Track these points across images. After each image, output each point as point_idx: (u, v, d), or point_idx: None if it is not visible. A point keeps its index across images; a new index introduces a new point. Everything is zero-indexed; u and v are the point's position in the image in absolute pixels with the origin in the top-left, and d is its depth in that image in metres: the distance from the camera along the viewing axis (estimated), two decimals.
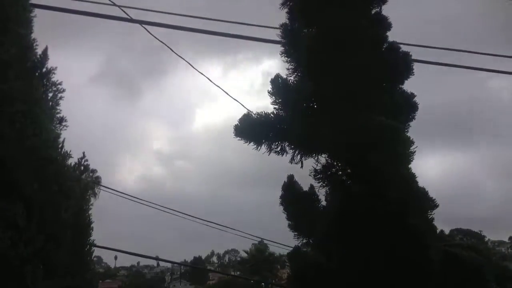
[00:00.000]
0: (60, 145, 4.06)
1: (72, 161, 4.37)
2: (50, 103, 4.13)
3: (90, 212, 4.37)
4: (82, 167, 4.35)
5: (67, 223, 3.85)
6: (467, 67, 8.29)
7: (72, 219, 3.95)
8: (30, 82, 3.85)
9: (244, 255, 55.67)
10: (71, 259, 3.93)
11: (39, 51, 4.10)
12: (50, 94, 4.18)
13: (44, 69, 4.08)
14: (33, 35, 4.09)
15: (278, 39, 6.72)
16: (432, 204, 6.03)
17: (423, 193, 5.98)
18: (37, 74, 4.01)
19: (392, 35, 6.54)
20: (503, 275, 6.41)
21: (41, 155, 3.74)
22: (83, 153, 4.25)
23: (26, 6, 4.13)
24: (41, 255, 3.59)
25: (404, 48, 6.58)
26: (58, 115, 4.25)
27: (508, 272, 6.41)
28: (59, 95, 4.24)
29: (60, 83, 4.21)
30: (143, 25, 7.03)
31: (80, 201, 4.28)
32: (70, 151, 4.14)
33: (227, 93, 8.32)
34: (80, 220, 4.17)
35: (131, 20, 6.99)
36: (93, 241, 4.35)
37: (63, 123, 4.31)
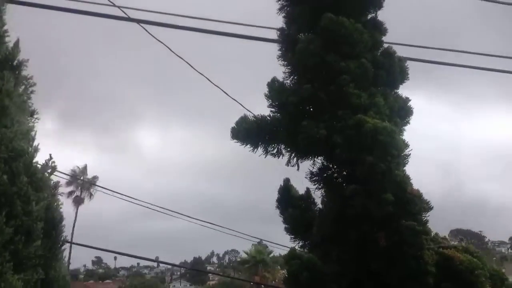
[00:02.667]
0: (32, 138, 4.03)
1: (40, 158, 4.33)
2: (22, 97, 4.11)
3: (61, 209, 4.33)
4: (50, 169, 4.32)
5: (38, 215, 3.81)
6: (468, 66, 8.28)
7: (44, 212, 3.92)
8: (1, 73, 3.82)
9: (244, 255, 55.63)
10: (43, 253, 3.90)
11: (11, 44, 4.07)
12: (22, 87, 4.16)
13: (15, 62, 4.06)
14: (5, 27, 4.05)
15: (275, 38, 6.77)
16: (426, 206, 6.07)
17: (417, 195, 6.02)
18: (8, 66, 3.98)
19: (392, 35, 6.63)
20: (497, 277, 6.45)
21: (11, 147, 3.72)
22: (50, 154, 4.22)
23: None
24: (10, 247, 3.57)
25: (401, 48, 6.68)
26: (30, 109, 4.23)
27: (502, 275, 6.45)
28: (31, 88, 4.23)
29: (31, 77, 4.19)
30: (141, 24, 7.10)
31: (51, 196, 4.24)
32: (38, 144, 4.11)
33: (226, 93, 8.36)
34: (52, 214, 4.14)
35: (129, 19, 7.04)
36: (65, 237, 4.34)
37: (35, 116, 4.30)
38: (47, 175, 4.08)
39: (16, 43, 4.09)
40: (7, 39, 4.07)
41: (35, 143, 4.00)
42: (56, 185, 4.36)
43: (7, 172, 3.62)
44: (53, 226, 4.07)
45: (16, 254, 3.57)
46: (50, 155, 4.24)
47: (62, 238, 4.19)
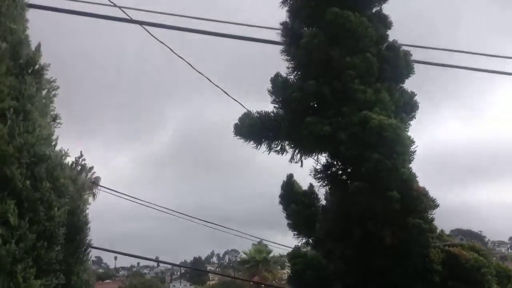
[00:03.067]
0: (53, 143, 4.00)
1: (69, 159, 4.28)
2: (44, 101, 4.08)
3: (87, 212, 4.29)
4: (79, 167, 4.28)
5: (60, 221, 3.78)
6: (468, 68, 8.24)
7: (66, 217, 3.89)
8: (22, 78, 3.81)
9: (244, 255, 55.64)
10: (66, 258, 3.87)
11: (32, 48, 4.04)
12: (44, 92, 4.12)
13: (37, 66, 4.02)
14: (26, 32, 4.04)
15: (278, 40, 6.71)
16: (432, 204, 6.00)
17: (423, 192, 5.94)
18: (30, 71, 3.95)
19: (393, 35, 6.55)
20: (504, 275, 6.38)
21: (33, 152, 3.69)
22: (81, 151, 4.18)
23: (19, 2, 4.08)
24: (33, 253, 3.54)
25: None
26: (52, 113, 4.19)
27: (509, 272, 6.38)
28: (53, 92, 4.19)
29: (54, 81, 4.16)
30: (143, 26, 7.07)
31: (77, 200, 4.21)
32: (67, 150, 4.08)
33: (226, 93, 8.30)
34: (75, 219, 4.11)
35: (131, 21, 7.01)
36: (90, 241, 4.29)
37: (57, 121, 4.26)
38: (76, 173, 4.05)
39: (38, 48, 4.07)
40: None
41: (58, 148, 3.99)
42: (84, 184, 4.31)
43: (30, 177, 3.59)
44: (77, 231, 4.03)
45: (39, 260, 3.54)
46: (81, 152, 4.21)
47: (87, 242, 4.15)
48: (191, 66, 8.25)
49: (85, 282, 4.09)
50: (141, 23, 7.10)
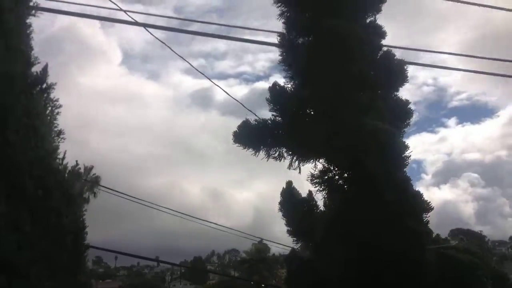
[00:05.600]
0: (61, 156, 4.24)
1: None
2: (49, 118, 4.32)
3: (84, 217, 4.51)
4: (76, 175, 4.50)
5: (68, 228, 4.02)
6: (466, 70, 8.38)
7: (72, 224, 4.13)
8: (31, 97, 4.04)
9: (244, 255, 55.76)
10: (71, 262, 4.10)
11: (39, 68, 4.28)
12: (49, 109, 4.36)
13: (44, 85, 4.27)
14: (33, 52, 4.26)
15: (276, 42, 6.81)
16: (427, 207, 6.12)
17: (418, 196, 6.07)
18: (38, 89, 4.20)
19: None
20: (498, 277, 6.52)
21: (43, 165, 3.92)
22: (76, 161, 4.43)
23: (24, 17, 4.27)
24: (46, 258, 3.76)
25: (399, 51, 6.72)
26: (55, 129, 4.43)
27: (502, 274, 6.53)
28: (56, 110, 4.43)
29: (57, 100, 4.40)
30: (147, 28, 7.22)
31: (78, 207, 4.43)
32: (67, 163, 4.33)
33: (227, 93, 8.46)
34: (78, 225, 4.33)
35: (136, 24, 7.16)
36: (87, 244, 4.51)
37: (61, 136, 4.50)
38: (73, 182, 4.27)
39: (45, 68, 4.28)
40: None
41: (65, 162, 4.20)
42: (80, 191, 4.53)
43: (41, 188, 3.80)
44: (78, 234, 4.23)
45: (51, 264, 3.75)
46: (77, 161, 4.43)
47: (85, 245, 4.33)
48: (191, 65, 8.46)
49: (83, 284, 4.28)
50: (144, 25, 7.25)
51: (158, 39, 7.56)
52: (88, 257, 4.55)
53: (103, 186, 11.63)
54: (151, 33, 7.32)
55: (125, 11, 7.00)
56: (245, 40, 8.09)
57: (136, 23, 7.19)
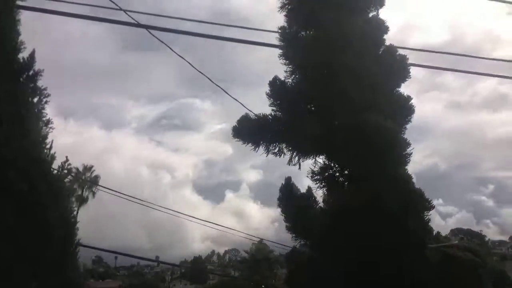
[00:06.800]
0: (48, 146, 4.09)
1: (56, 163, 4.38)
2: (36, 108, 4.18)
3: (74, 213, 4.39)
4: (65, 170, 4.38)
5: (55, 223, 3.87)
6: (465, 71, 8.33)
7: (60, 219, 3.98)
8: (17, 84, 3.89)
9: (245, 254, 55.73)
10: (59, 259, 3.96)
11: (26, 54, 4.13)
12: (36, 98, 4.22)
13: (31, 72, 4.12)
14: (20, 37, 4.12)
15: (277, 43, 6.77)
16: (428, 205, 6.06)
17: (419, 194, 6.00)
18: (24, 76, 4.05)
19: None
20: (499, 276, 6.46)
21: (29, 155, 3.77)
22: (66, 157, 4.30)
23: (12, 7, 4.16)
24: (29, 254, 3.62)
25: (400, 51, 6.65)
26: (44, 118, 4.29)
27: (504, 274, 6.47)
28: (45, 99, 4.29)
29: (45, 88, 4.25)
30: (148, 30, 7.18)
31: (66, 201, 4.30)
32: (55, 153, 4.17)
33: (227, 93, 8.40)
34: (66, 220, 4.19)
35: (137, 25, 7.12)
36: (78, 240, 4.37)
37: (49, 125, 4.36)
38: (62, 177, 4.15)
39: (32, 54, 4.15)
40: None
41: (52, 152, 4.07)
42: (71, 186, 4.43)
43: (26, 181, 3.67)
44: (68, 231, 4.11)
45: (35, 261, 3.62)
46: (67, 157, 4.32)
47: (75, 242, 4.23)
48: (191, 66, 8.38)
49: (74, 283, 4.17)
50: (146, 27, 7.20)
51: (160, 40, 7.50)
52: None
53: (102, 186, 11.62)
54: (152, 34, 7.28)
55: (125, 11, 6.95)
56: (246, 42, 8.03)
57: (138, 25, 7.15)
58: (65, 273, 3.97)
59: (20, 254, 3.51)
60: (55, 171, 4.10)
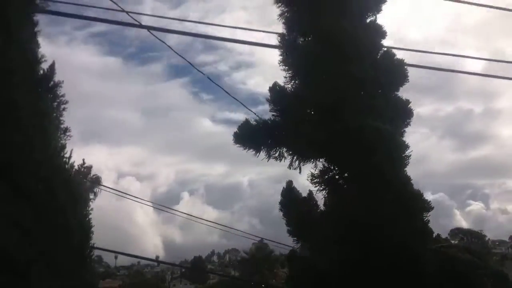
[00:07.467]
0: (67, 155, 4.21)
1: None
2: (55, 114, 4.28)
3: (90, 216, 4.49)
4: (84, 169, 4.49)
5: (75, 228, 3.99)
6: (462, 71, 8.41)
7: (79, 224, 4.10)
8: (38, 95, 4.01)
9: (244, 254, 55.76)
10: (76, 262, 4.06)
11: (46, 65, 4.24)
12: (55, 105, 4.33)
13: (51, 83, 4.24)
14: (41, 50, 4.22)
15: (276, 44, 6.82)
16: (427, 206, 6.12)
17: (418, 195, 6.07)
18: (44, 87, 4.17)
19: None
20: (499, 277, 6.54)
21: (51, 165, 3.88)
22: (83, 159, 4.43)
23: (31, 16, 4.25)
24: (48, 256, 3.72)
25: (399, 52, 6.73)
26: (62, 126, 4.40)
27: (502, 274, 6.54)
28: (63, 106, 4.40)
29: (63, 95, 4.37)
30: (150, 31, 7.25)
31: (84, 207, 4.41)
32: (74, 162, 4.29)
33: (228, 93, 8.49)
34: (84, 224, 4.31)
35: (140, 26, 7.19)
36: (93, 244, 4.49)
37: (67, 133, 4.47)
38: (81, 184, 4.27)
39: (52, 66, 4.25)
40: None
41: (71, 161, 4.19)
42: (87, 190, 4.57)
43: (49, 191, 3.77)
44: (85, 236, 4.21)
45: (53, 263, 3.71)
46: (83, 160, 4.45)
47: (90, 245, 4.32)
48: (192, 66, 8.48)
49: (89, 284, 4.26)
50: (148, 27, 7.27)
51: (161, 40, 7.57)
52: (92, 257, 4.54)
53: (103, 186, 11.68)
54: (155, 35, 7.35)
55: (127, 12, 7.01)
56: (244, 42, 8.10)
57: (140, 26, 7.21)
58: (83, 277, 4.08)
59: (37, 256, 3.61)
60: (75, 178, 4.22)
